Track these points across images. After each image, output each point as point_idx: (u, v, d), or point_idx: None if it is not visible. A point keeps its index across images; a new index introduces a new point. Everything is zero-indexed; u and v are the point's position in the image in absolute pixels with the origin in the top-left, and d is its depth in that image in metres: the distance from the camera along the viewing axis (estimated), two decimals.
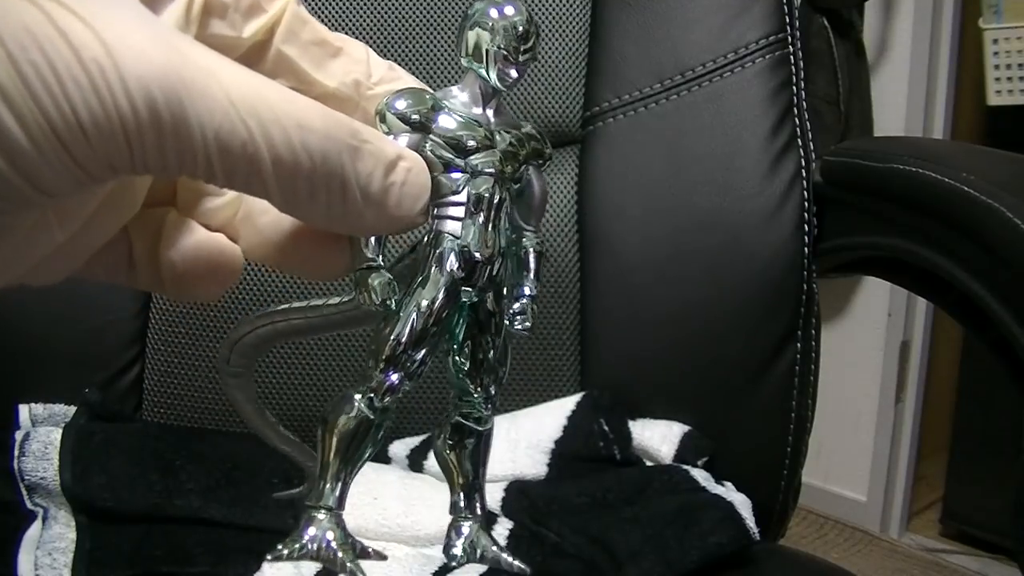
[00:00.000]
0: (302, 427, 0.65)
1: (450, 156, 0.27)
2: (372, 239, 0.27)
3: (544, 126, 0.66)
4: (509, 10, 0.27)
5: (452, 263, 0.27)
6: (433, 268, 0.28)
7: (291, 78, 0.27)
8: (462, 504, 0.30)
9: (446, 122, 0.27)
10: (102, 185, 0.21)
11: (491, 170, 0.27)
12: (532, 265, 0.30)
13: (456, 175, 0.27)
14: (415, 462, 0.61)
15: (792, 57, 0.66)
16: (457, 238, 0.27)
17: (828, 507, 1.90)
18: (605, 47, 0.68)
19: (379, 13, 0.66)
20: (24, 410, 0.58)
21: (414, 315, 0.27)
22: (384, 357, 0.28)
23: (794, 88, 0.66)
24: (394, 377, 0.27)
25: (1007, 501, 0.60)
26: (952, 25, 1.74)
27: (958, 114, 1.79)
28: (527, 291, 0.29)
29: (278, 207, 0.23)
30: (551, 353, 0.66)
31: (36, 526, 0.52)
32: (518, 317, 0.29)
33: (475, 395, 0.29)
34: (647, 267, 0.66)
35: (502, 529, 0.54)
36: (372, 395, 0.28)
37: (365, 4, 0.66)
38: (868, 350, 1.85)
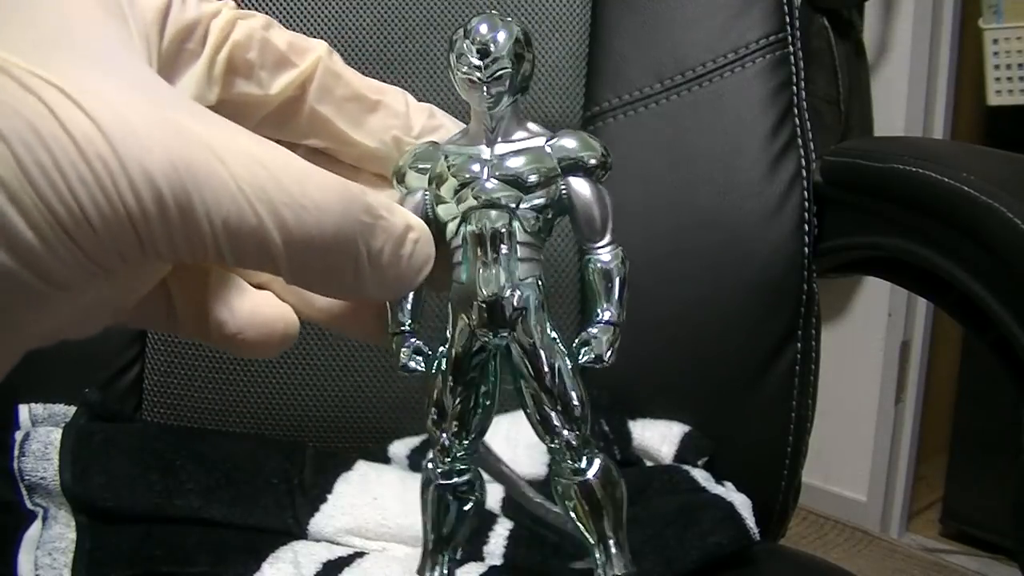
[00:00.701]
0: (299, 428, 0.65)
1: (441, 202, 0.26)
2: (408, 302, 0.26)
3: (544, 125, 0.66)
4: (471, 28, 0.25)
5: (463, 311, 0.26)
6: (450, 325, 0.26)
7: (327, 138, 0.26)
8: (598, 560, 0.27)
9: (441, 166, 0.26)
10: (114, 273, 0.21)
11: (472, 204, 0.25)
12: (600, 286, 0.26)
13: (453, 219, 0.26)
14: (415, 462, 0.61)
15: (792, 57, 0.66)
16: (461, 282, 0.26)
17: (828, 507, 1.90)
18: (605, 47, 0.68)
19: (379, 13, 0.66)
20: (24, 410, 0.58)
21: (440, 372, 0.26)
22: (427, 423, 0.26)
23: (794, 88, 0.66)
24: (443, 437, 0.26)
25: (1007, 501, 0.60)
26: (952, 25, 1.74)
27: (958, 114, 1.79)
28: (601, 316, 0.26)
29: (288, 282, 0.22)
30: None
31: (36, 526, 0.52)
32: (583, 348, 0.26)
33: (550, 446, 0.27)
34: (647, 267, 0.66)
35: (502, 529, 0.54)
36: (433, 458, 0.27)
37: (365, 4, 0.66)
38: (868, 350, 1.85)
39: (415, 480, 0.58)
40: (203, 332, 0.26)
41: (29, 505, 0.53)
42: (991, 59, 1.63)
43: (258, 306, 0.26)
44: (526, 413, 0.26)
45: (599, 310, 0.26)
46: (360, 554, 0.51)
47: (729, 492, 0.58)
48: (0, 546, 0.51)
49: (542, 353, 0.26)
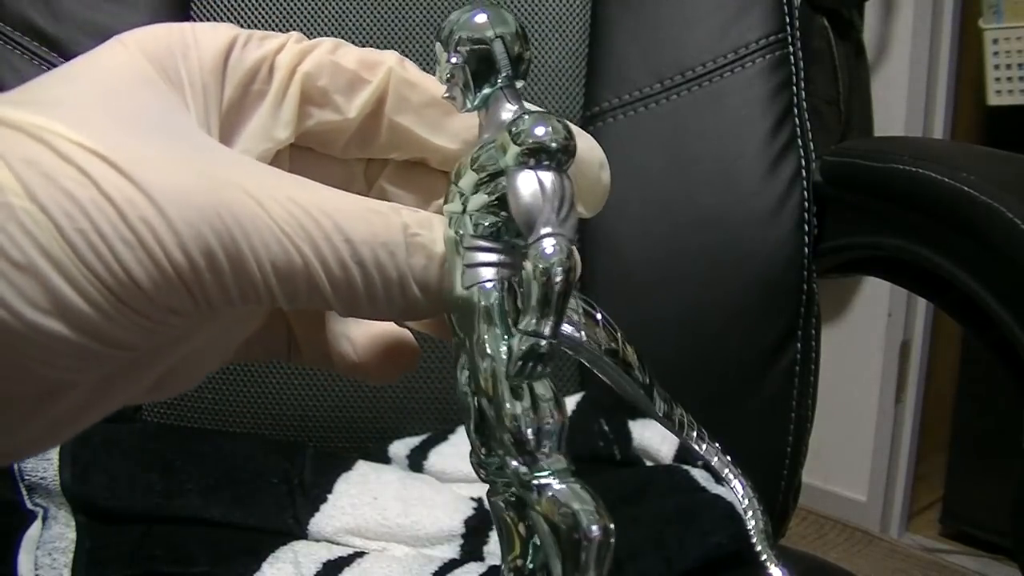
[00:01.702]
0: (299, 428, 0.65)
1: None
2: None
3: None
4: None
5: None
6: None
7: (410, 148, 0.26)
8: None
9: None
10: (174, 329, 0.21)
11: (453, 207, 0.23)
12: (504, 297, 0.22)
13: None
14: (415, 462, 0.61)
15: (792, 57, 0.66)
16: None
17: (828, 507, 1.90)
18: (605, 47, 0.68)
19: (379, 13, 0.66)
20: None
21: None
22: (469, 433, 0.24)
23: (794, 88, 0.66)
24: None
25: (1007, 501, 0.60)
26: (952, 25, 1.75)
27: (958, 114, 1.79)
28: (524, 325, 0.20)
29: (341, 315, 0.22)
30: None
31: (36, 526, 0.52)
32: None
33: (484, 458, 0.22)
34: (647, 267, 0.66)
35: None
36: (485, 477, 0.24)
37: (365, 4, 0.66)
38: (868, 350, 1.85)
39: (415, 480, 0.58)
40: (326, 363, 0.27)
41: (29, 505, 0.53)
42: (991, 59, 1.63)
43: (376, 335, 0.26)
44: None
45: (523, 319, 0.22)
46: (360, 554, 0.51)
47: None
48: (0, 546, 0.51)
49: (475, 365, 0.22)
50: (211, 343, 0.25)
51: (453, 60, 0.23)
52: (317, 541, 0.53)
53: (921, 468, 1.91)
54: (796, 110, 0.66)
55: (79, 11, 0.63)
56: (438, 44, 0.23)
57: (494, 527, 0.24)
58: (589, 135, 0.24)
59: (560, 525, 0.21)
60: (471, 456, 0.23)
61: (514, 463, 0.21)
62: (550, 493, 0.21)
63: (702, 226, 0.66)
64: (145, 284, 0.19)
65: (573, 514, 0.20)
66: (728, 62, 0.66)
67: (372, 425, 0.65)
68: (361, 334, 0.26)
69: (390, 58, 0.25)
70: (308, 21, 0.65)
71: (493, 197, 0.22)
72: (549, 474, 0.21)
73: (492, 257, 0.23)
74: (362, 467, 0.57)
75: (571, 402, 0.63)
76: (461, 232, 0.22)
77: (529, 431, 0.21)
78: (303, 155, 0.26)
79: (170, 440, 0.58)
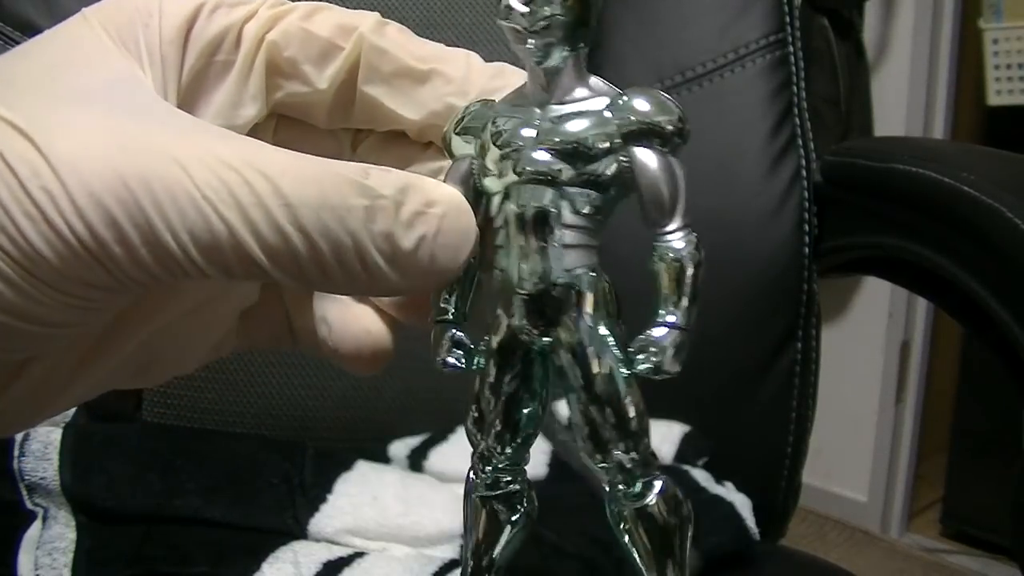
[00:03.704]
0: (299, 428, 0.65)
1: (486, 174, 0.22)
2: (454, 284, 0.22)
3: None
4: None
5: (503, 303, 0.22)
6: (490, 307, 0.23)
7: (381, 120, 0.24)
8: None
9: (484, 131, 0.22)
10: (106, 304, 0.20)
11: (514, 178, 0.21)
12: (665, 280, 0.22)
13: (495, 192, 0.22)
14: (415, 462, 0.61)
15: (792, 57, 0.66)
16: (502, 270, 0.22)
17: (828, 507, 1.90)
18: (605, 47, 0.68)
19: (379, 13, 0.66)
20: None
21: (480, 372, 0.23)
22: (467, 424, 0.23)
23: (794, 88, 0.66)
24: (483, 443, 0.23)
25: (1007, 501, 0.60)
26: (952, 25, 1.74)
27: (958, 114, 1.79)
28: (665, 317, 0.22)
29: (296, 291, 0.21)
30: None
31: (36, 526, 0.52)
32: (639, 356, 0.22)
33: (596, 466, 0.22)
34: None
35: None
36: (475, 467, 0.24)
37: (365, 4, 0.66)
38: (868, 350, 1.85)
39: (415, 480, 0.58)
40: (319, 350, 0.25)
41: (29, 505, 0.53)
42: (991, 59, 1.63)
43: (348, 321, 0.25)
44: (573, 427, 0.23)
45: (663, 310, 0.22)
46: (360, 554, 0.51)
47: (729, 492, 0.58)
48: (0, 546, 0.51)
49: (591, 356, 0.22)
50: (196, 325, 0.24)
51: (557, 12, 0.21)
52: (317, 541, 0.53)
53: (921, 468, 1.91)
54: (796, 110, 0.66)
55: (79, 10, 0.63)
56: None
57: (474, 522, 0.24)
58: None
59: (670, 521, 0.23)
60: (476, 453, 0.23)
61: (623, 456, 0.22)
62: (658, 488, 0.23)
63: (702, 226, 0.65)
64: (50, 257, 0.18)
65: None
66: (728, 62, 0.66)
67: (372, 425, 0.65)
68: (337, 318, 0.25)
69: (366, 22, 0.23)
70: None
71: (585, 175, 0.21)
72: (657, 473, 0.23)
73: (592, 240, 0.22)
74: (362, 467, 0.57)
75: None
76: (534, 207, 0.21)
77: (643, 422, 0.22)
78: (291, 125, 0.25)
79: (170, 440, 0.58)
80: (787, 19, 0.66)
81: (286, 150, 0.20)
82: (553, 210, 0.21)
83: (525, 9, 0.21)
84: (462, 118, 0.23)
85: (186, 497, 0.54)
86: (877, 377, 1.86)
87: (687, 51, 0.67)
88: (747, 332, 0.65)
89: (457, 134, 0.23)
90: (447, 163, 0.24)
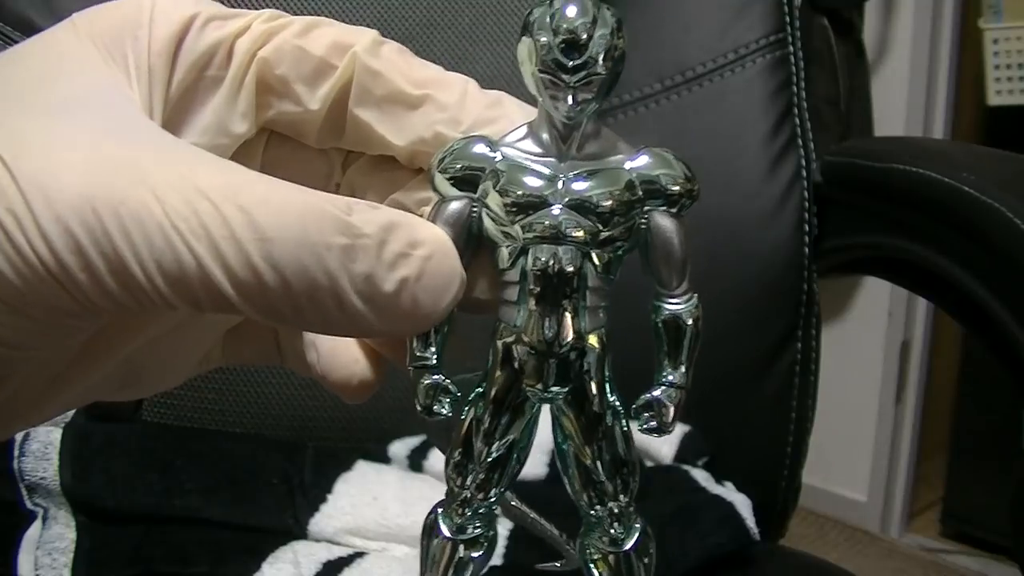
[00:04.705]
0: (299, 428, 0.65)
1: (496, 222, 0.21)
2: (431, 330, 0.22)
3: None
4: (557, 10, 0.20)
5: (509, 357, 0.22)
6: (491, 364, 0.22)
7: (370, 144, 0.23)
8: None
9: (495, 177, 0.21)
10: (75, 328, 0.19)
11: (537, 235, 0.21)
12: (669, 340, 0.22)
13: (508, 246, 0.21)
14: (415, 462, 0.61)
15: (792, 57, 0.66)
16: (515, 326, 0.21)
17: (828, 507, 1.90)
18: None
19: (379, 13, 0.66)
20: None
21: (467, 422, 0.22)
22: (447, 469, 0.23)
23: (794, 88, 0.66)
24: (465, 488, 0.23)
25: (1007, 501, 0.60)
26: (952, 25, 1.75)
27: (958, 114, 1.79)
28: (667, 377, 0.23)
29: (267, 324, 0.21)
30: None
31: (36, 526, 0.52)
32: (644, 415, 0.23)
33: (592, 514, 0.23)
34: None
35: (502, 529, 0.54)
36: (446, 510, 0.24)
37: (365, 4, 0.66)
38: (868, 350, 1.85)
39: (415, 480, 0.58)
40: (308, 371, 0.25)
41: (29, 505, 0.53)
42: (991, 59, 1.63)
43: (338, 349, 0.24)
44: (566, 474, 0.23)
45: (665, 371, 0.23)
46: (360, 554, 0.51)
47: (729, 492, 0.58)
48: (0, 546, 0.51)
49: (601, 417, 0.22)
50: (181, 341, 0.24)
51: (600, 72, 0.20)
52: (317, 541, 0.53)
53: (921, 468, 1.91)
54: (796, 110, 0.66)
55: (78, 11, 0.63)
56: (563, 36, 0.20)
57: (435, 561, 0.24)
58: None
59: (640, 564, 0.24)
60: (454, 498, 0.23)
61: (614, 504, 0.23)
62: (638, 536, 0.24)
63: (702, 226, 0.65)
64: (14, 280, 0.17)
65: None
66: (728, 62, 0.66)
67: (372, 425, 0.65)
68: (326, 345, 0.24)
69: (362, 40, 0.22)
70: None
71: (618, 230, 0.21)
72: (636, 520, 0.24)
73: (605, 301, 0.22)
74: (362, 467, 0.57)
75: None
76: (561, 269, 0.21)
77: (636, 473, 0.23)
78: (282, 142, 0.24)
79: (170, 440, 0.58)
80: (787, 19, 0.66)
81: (269, 178, 0.19)
82: (576, 272, 0.21)
83: (569, 63, 0.20)
84: (446, 155, 0.22)
85: (186, 497, 0.54)
86: (877, 377, 1.86)
87: (687, 51, 0.67)
88: (747, 332, 0.65)
89: (447, 173, 0.22)
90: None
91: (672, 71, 0.66)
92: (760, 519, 0.56)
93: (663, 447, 0.61)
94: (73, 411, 0.59)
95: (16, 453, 0.54)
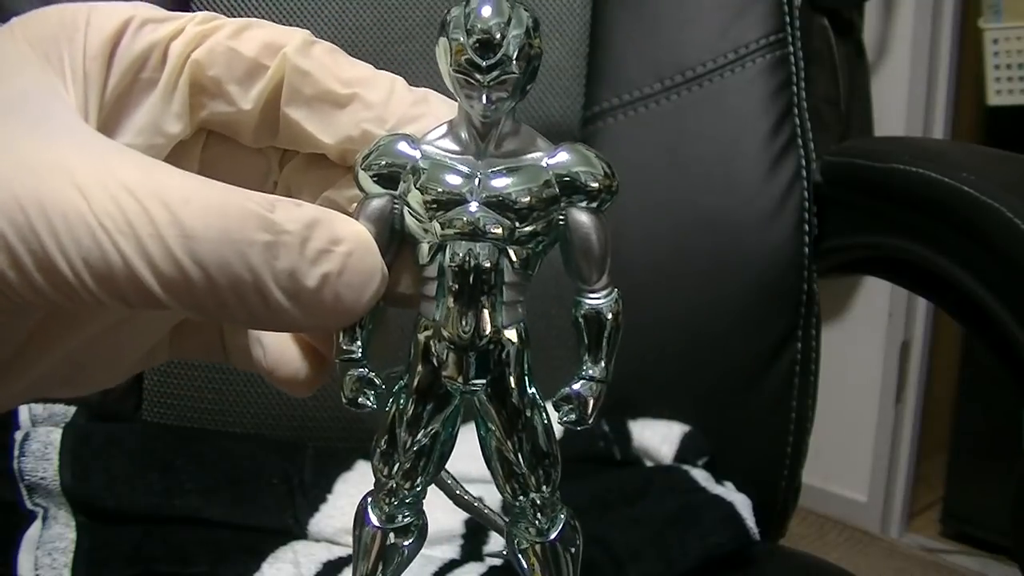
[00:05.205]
0: (299, 428, 0.65)
1: (417, 219, 0.22)
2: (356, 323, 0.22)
3: (544, 126, 0.66)
4: (472, 11, 0.21)
5: (429, 351, 0.22)
6: (412, 357, 0.23)
7: (302, 142, 0.24)
8: None
9: (416, 174, 0.22)
10: (7, 323, 0.20)
11: (456, 231, 0.21)
12: (589, 334, 0.22)
13: (428, 242, 0.22)
14: None
15: (792, 57, 0.66)
16: (434, 320, 0.22)
17: (828, 507, 1.90)
18: (605, 47, 0.68)
19: (379, 13, 0.66)
20: (24, 410, 0.58)
21: (392, 413, 0.23)
22: (373, 459, 0.24)
23: (794, 88, 0.66)
24: (391, 478, 0.23)
25: (1007, 501, 0.60)
26: (952, 25, 1.74)
27: (958, 114, 1.79)
28: (587, 371, 0.22)
29: (194, 319, 0.21)
30: (551, 353, 0.66)
31: (36, 526, 0.52)
32: (565, 407, 0.23)
33: (516, 506, 0.24)
34: (647, 267, 0.66)
35: None
36: (375, 500, 0.24)
37: (365, 4, 0.66)
38: (868, 350, 1.85)
39: None
40: (253, 367, 0.25)
41: (29, 505, 0.53)
42: (991, 59, 1.63)
43: (284, 344, 0.24)
44: (488, 464, 0.24)
45: (585, 365, 0.23)
46: None
47: (729, 492, 0.58)
48: (0, 546, 0.51)
49: (520, 410, 0.23)
50: (124, 336, 0.24)
51: (514, 71, 0.21)
52: (317, 541, 0.53)
53: (921, 468, 1.91)
54: (796, 110, 0.66)
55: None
56: (479, 36, 0.21)
57: (366, 551, 0.25)
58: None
59: (566, 552, 0.25)
60: (381, 488, 0.24)
61: (536, 495, 0.23)
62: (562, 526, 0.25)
63: (702, 226, 0.66)
64: None
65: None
66: (728, 62, 0.66)
67: (372, 425, 0.65)
68: (272, 340, 0.24)
69: (292, 41, 0.23)
70: (307, 22, 0.65)
71: (536, 227, 0.21)
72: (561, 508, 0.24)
73: (522, 295, 0.22)
74: (362, 467, 0.57)
75: None
76: (477, 264, 0.21)
77: (556, 465, 0.23)
78: (220, 141, 0.25)
79: (170, 440, 0.58)
80: (787, 19, 0.66)
81: (194, 176, 0.19)
82: (493, 268, 0.21)
83: (483, 62, 0.21)
84: (370, 153, 0.22)
85: (186, 497, 0.54)
86: (877, 377, 1.85)
87: (687, 51, 0.67)
88: (747, 332, 0.65)
89: (371, 170, 0.22)
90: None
91: (672, 71, 0.66)
92: (760, 519, 0.56)
93: (663, 447, 0.61)
94: (74, 411, 0.59)
95: (16, 453, 0.54)
